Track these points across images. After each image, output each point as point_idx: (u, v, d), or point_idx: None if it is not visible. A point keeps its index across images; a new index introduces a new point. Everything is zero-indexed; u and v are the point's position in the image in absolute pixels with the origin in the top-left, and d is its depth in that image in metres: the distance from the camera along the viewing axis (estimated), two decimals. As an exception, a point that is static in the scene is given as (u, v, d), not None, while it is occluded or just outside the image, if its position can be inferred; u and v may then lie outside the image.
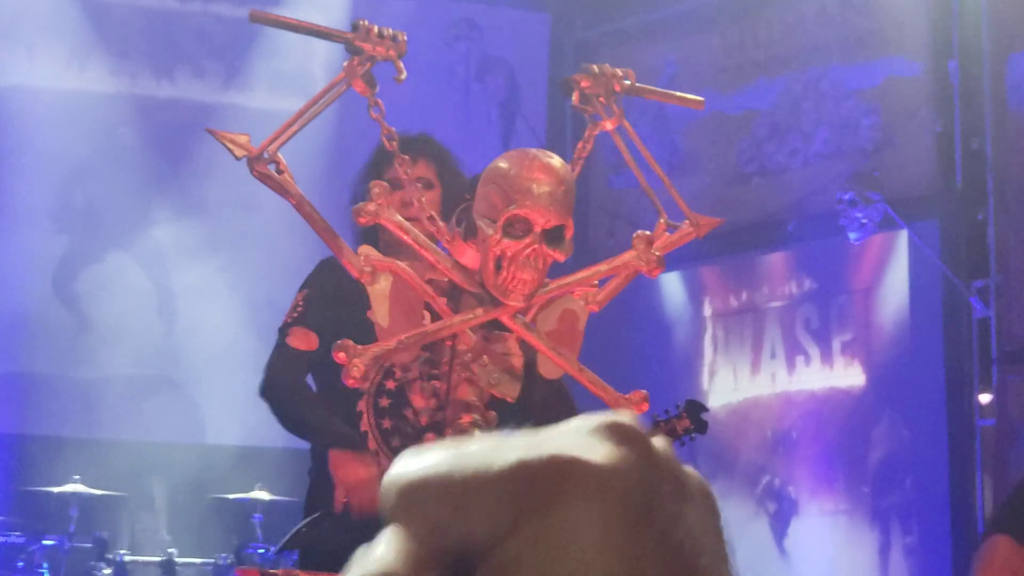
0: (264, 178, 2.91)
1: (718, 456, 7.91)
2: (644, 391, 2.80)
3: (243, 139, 2.93)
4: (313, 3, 8.23)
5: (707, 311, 8.32)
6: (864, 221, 7.14)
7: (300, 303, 3.62)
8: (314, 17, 3.27)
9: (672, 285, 8.38)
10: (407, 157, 2.92)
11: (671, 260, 7.88)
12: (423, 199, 2.91)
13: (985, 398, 7.10)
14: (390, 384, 3.36)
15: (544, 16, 9.11)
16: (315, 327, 3.54)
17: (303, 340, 3.54)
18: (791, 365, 7.87)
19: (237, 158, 2.93)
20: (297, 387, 3.53)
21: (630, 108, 9.10)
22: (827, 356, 7.71)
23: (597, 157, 8.67)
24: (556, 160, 2.76)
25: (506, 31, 9.09)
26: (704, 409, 5.14)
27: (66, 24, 8.15)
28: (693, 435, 5.08)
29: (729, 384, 8.07)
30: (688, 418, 5.05)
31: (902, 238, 7.29)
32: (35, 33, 8.18)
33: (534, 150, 2.79)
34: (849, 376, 7.61)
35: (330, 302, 3.55)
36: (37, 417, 8.06)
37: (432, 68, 8.77)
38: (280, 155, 2.95)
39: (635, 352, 8.28)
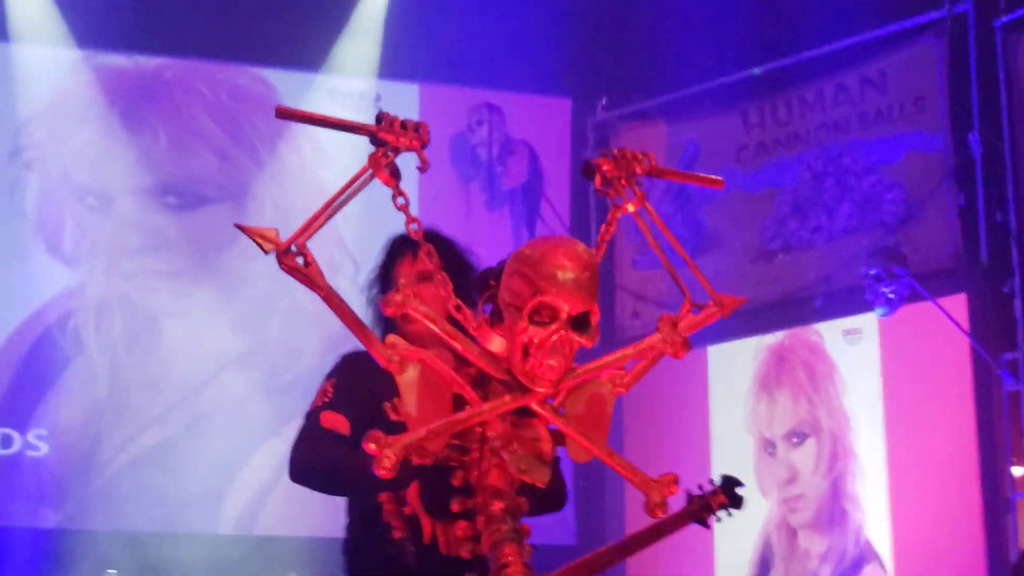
0: (292, 271, 2.92)
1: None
2: (674, 474, 2.80)
3: (271, 233, 2.95)
4: (336, 91, 8.34)
5: (737, 388, 8.29)
6: (891, 296, 7.14)
7: (329, 390, 3.64)
8: (338, 104, 3.33)
9: (699, 364, 8.37)
10: (432, 247, 2.94)
11: (698, 338, 7.89)
12: (449, 288, 2.93)
13: (1019, 471, 7.05)
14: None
15: (565, 100, 9.18)
16: (345, 410, 3.57)
17: (334, 422, 3.56)
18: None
19: (265, 252, 2.94)
20: (329, 448, 3.55)
21: (653, 187, 9.18)
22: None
23: (621, 239, 8.72)
24: (580, 246, 2.77)
25: (527, 115, 9.17)
26: (739, 484, 5.13)
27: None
28: (729, 511, 5.09)
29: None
30: (724, 494, 5.06)
31: (929, 312, 7.28)
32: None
33: (558, 236, 2.80)
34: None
35: (358, 393, 3.58)
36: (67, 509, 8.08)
37: (454, 153, 8.85)
38: (307, 248, 2.97)
39: (668, 432, 8.27)
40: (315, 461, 3.56)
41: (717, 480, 5.12)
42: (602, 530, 8.39)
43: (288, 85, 8.48)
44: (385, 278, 3.84)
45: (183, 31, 8.27)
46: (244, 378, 8.44)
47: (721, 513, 5.07)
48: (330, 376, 3.70)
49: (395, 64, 8.65)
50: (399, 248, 3.81)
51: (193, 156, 8.53)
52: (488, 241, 8.42)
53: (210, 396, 8.39)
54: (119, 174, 8.34)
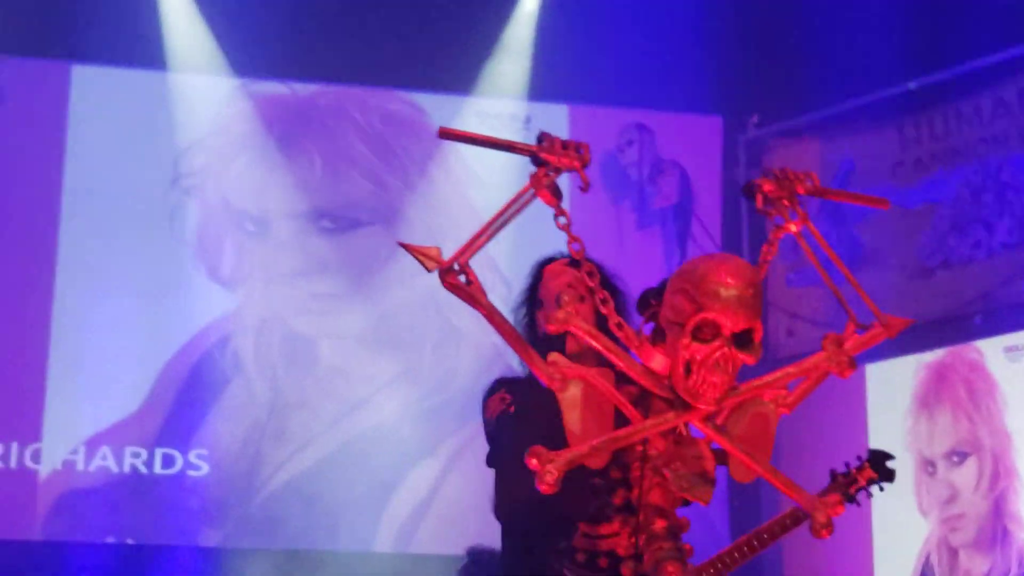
0: (455, 289, 2.96)
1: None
2: (839, 494, 2.77)
3: (434, 252, 2.99)
4: (485, 114, 8.41)
5: (896, 407, 8.18)
6: (1053, 311, 7.00)
7: (506, 396, 3.71)
8: (487, 127, 3.36)
9: (858, 382, 8.27)
10: (593, 265, 2.95)
11: (857, 357, 7.77)
12: (611, 305, 2.94)
13: None
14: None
15: (715, 118, 9.14)
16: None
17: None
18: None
19: (428, 271, 2.98)
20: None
21: (809, 205, 9.03)
22: None
23: (775, 256, 8.63)
24: (743, 263, 2.77)
25: (677, 134, 9.14)
26: (889, 457, 5.00)
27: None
28: (881, 485, 4.95)
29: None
30: (872, 468, 4.94)
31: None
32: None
33: (721, 254, 2.81)
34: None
35: (516, 417, 3.62)
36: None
37: (605, 173, 8.85)
38: (469, 266, 3.00)
39: (826, 452, 8.18)
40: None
41: (864, 455, 5.01)
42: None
43: (438, 108, 8.57)
44: (533, 300, 3.86)
45: (336, 57, 8.40)
46: (398, 399, 8.53)
47: (873, 488, 4.94)
48: (492, 392, 3.75)
49: (544, 85, 8.68)
50: (537, 273, 3.84)
51: (347, 180, 8.65)
52: (639, 262, 8.41)
53: (365, 417, 8.49)
54: (276, 199, 8.49)
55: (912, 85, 8.30)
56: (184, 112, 8.37)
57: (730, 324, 2.71)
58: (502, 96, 8.64)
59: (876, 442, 8.19)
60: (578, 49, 8.59)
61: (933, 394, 8.02)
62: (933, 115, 8.29)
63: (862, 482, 4.92)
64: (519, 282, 4.18)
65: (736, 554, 4.87)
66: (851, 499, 4.91)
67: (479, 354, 8.22)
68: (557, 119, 8.72)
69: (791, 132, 8.87)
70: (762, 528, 4.88)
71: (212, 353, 8.34)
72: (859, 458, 5.01)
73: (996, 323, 7.72)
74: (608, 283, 3.85)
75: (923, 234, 8.23)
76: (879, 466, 4.96)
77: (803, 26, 8.28)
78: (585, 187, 2.96)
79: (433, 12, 8.27)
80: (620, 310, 3.22)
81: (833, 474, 4.96)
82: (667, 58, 8.57)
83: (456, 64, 8.53)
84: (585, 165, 2.99)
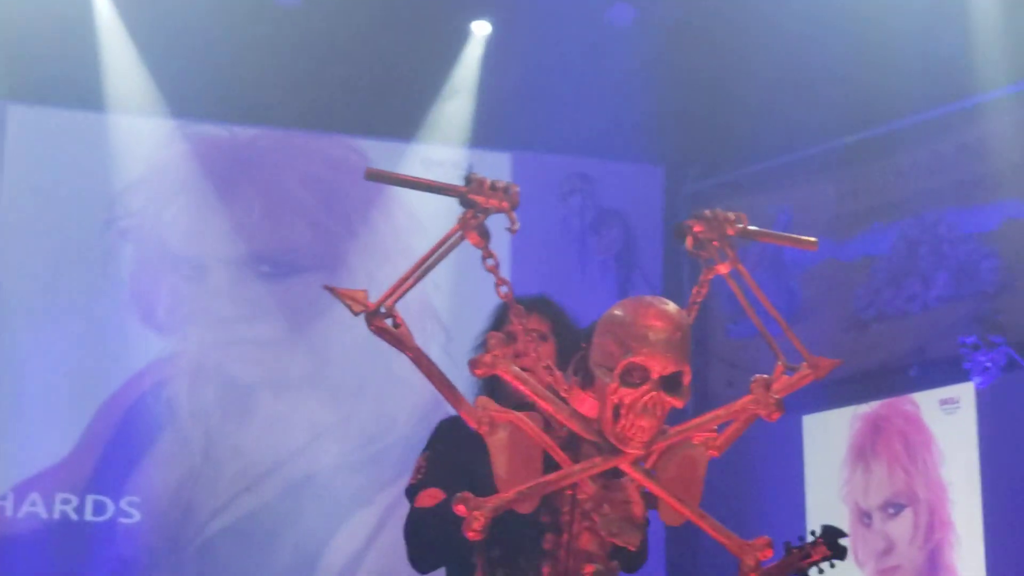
0: (381, 333, 2.94)
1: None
2: (768, 537, 2.76)
3: (360, 295, 2.96)
4: (429, 160, 8.40)
5: (832, 458, 8.19)
6: (988, 365, 7.04)
7: (423, 464, 3.65)
8: (431, 173, 3.32)
9: (795, 433, 8.28)
10: (522, 307, 2.94)
11: (794, 407, 7.78)
12: (539, 349, 2.92)
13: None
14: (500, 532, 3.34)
15: (657, 168, 9.17)
16: (440, 484, 3.56)
17: (431, 499, 3.55)
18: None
19: (355, 314, 2.96)
20: (428, 529, 3.54)
21: (747, 257, 9.08)
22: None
23: (715, 307, 8.67)
24: (671, 306, 2.76)
25: (620, 184, 9.16)
26: (842, 534, 5.01)
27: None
28: (832, 562, 4.97)
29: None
30: (825, 544, 4.95)
31: (1027, 382, 7.16)
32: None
33: (649, 297, 2.79)
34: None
35: (452, 462, 3.58)
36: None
37: (547, 223, 8.85)
38: (396, 309, 2.98)
39: (762, 501, 8.19)
40: (421, 547, 3.55)
41: (818, 531, 5.02)
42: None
43: (381, 154, 8.53)
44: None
45: (277, 101, 8.36)
46: (337, 447, 8.45)
47: (823, 565, 4.96)
48: (425, 449, 3.71)
49: (488, 133, 8.69)
50: (506, 313, 3.76)
51: (286, 225, 8.60)
52: (581, 310, 8.39)
53: (302, 465, 8.41)
54: (214, 243, 8.42)
55: (850, 139, 8.36)
56: (121, 153, 8.30)
57: (658, 368, 2.70)
58: (445, 143, 8.63)
59: (813, 493, 8.20)
60: (522, 97, 8.61)
61: (869, 446, 8.04)
62: (870, 169, 8.35)
63: (816, 557, 4.94)
64: (458, 328, 4.15)
65: None
66: (803, 573, 4.94)
67: (419, 402, 8.17)
68: (500, 167, 8.72)
69: (731, 184, 8.91)
70: None
71: (146, 398, 8.24)
72: (812, 533, 5.02)
73: (932, 376, 7.75)
74: (571, 326, 3.84)
75: (859, 287, 8.27)
76: (832, 543, 4.98)
77: (744, 80, 8.32)
78: (513, 229, 2.94)
79: (377, 58, 8.26)
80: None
81: (787, 547, 4.98)
82: (611, 108, 8.59)
83: (399, 110, 8.51)
84: (514, 206, 2.98)
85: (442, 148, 8.59)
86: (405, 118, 8.54)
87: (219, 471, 8.29)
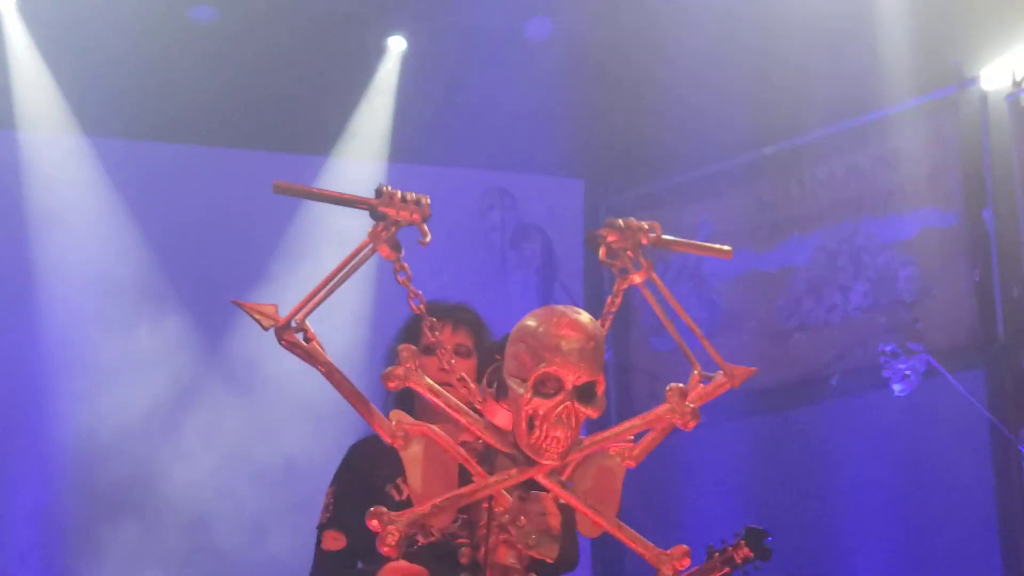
0: (292, 347, 2.90)
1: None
2: (686, 546, 2.74)
3: (270, 309, 2.93)
4: (346, 176, 8.34)
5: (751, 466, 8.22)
6: (907, 373, 7.09)
7: (330, 501, 3.65)
8: (349, 189, 3.27)
9: (715, 440, 8.30)
10: (435, 320, 2.90)
11: (719, 417, 7.79)
12: (453, 361, 2.89)
13: (1042, 548, 6.95)
14: (420, 541, 3.31)
15: (577, 182, 9.17)
16: (344, 524, 3.56)
17: (334, 542, 3.55)
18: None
19: (264, 328, 2.92)
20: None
21: (668, 269, 9.10)
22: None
23: (637, 320, 8.68)
24: (584, 316, 2.73)
25: (540, 198, 9.14)
26: (765, 535, 4.97)
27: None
28: (756, 563, 4.92)
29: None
30: (748, 546, 4.90)
31: (947, 389, 7.20)
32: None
33: (561, 307, 2.77)
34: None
35: (357, 495, 3.57)
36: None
37: (468, 237, 8.82)
38: (307, 323, 2.94)
39: (686, 506, 8.20)
40: None
41: (741, 532, 4.97)
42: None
43: (299, 169, 8.45)
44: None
45: (191, 118, 8.27)
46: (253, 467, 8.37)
47: (748, 567, 4.91)
48: (332, 482, 3.71)
49: (406, 148, 8.65)
50: (417, 322, 3.70)
51: (203, 242, 8.52)
52: (502, 325, 8.36)
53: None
54: (128, 261, 8.32)
55: (768, 151, 8.41)
56: (33, 172, 8.19)
57: (572, 377, 2.67)
58: (363, 158, 8.58)
59: (739, 501, 8.22)
60: (440, 112, 8.58)
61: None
62: (788, 180, 8.40)
63: (738, 560, 4.89)
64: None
65: None
66: None
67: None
68: (419, 181, 8.66)
69: (651, 197, 8.94)
70: None
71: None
72: (736, 534, 4.96)
73: (852, 384, 7.79)
74: (489, 338, 3.80)
75: (780, 297, 8.31)
76: (755, 544, 4.93)
77: (662, 93, 8.35)
78: (424, 240, 2.92)
79: (293, 73, 8.20)
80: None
81: (709, 550, 4.93)
82: (530, 122, 8.58)
83: (316, 126, 8.45)
84: (425, 218, 2.96)
85: (360, 163, 8.53)
86: (322, 134, 8.48)
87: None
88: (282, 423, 8.34)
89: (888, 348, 7.11)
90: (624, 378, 8.83)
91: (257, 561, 8.11)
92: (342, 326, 7.87)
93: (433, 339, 2.87)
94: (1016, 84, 7.39)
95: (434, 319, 2.89)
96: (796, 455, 7.98)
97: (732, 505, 8.23)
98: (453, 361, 2.90)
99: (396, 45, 8.38)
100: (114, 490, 8.08)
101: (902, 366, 7.09)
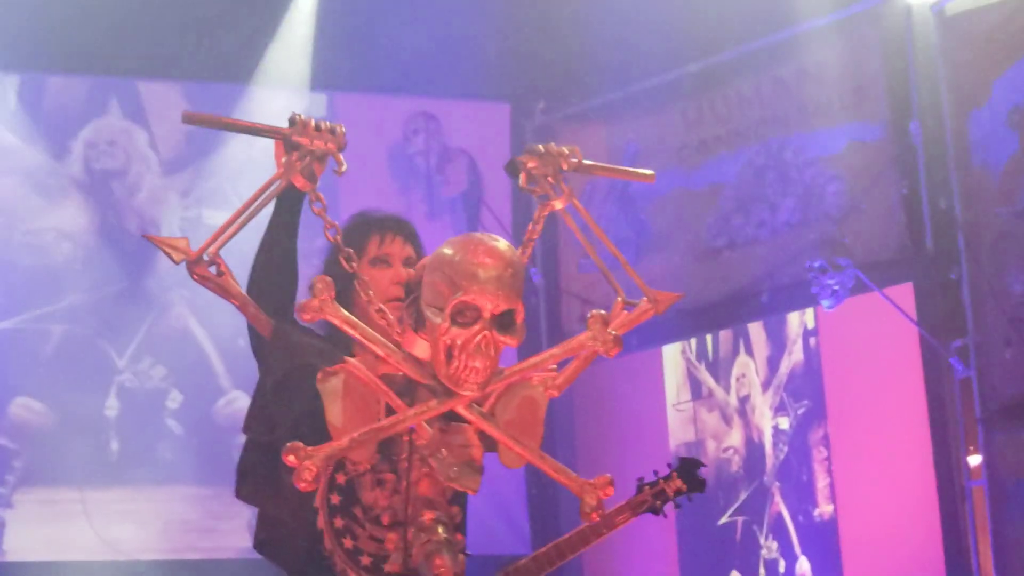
0: (204, 281, 2.85)
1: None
2: (609, 475, 2.69)
3: (182, 243, 2.87)
4: (266, 107, 8.20)
5: (688, 389, 8.23)
6: (836, 288, 7.08)
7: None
8: (268, 119, 3.17)
9: (655, 365, 8.30)
10: (352, 251, 2.83)
11: (652, 339, 7.79)
12: (370, 292, 2.82)
13: (974, 460, 7.00)
14: (340, 478, 3.23)
15: (502, 105, 9.08)
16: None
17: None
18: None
19: (176, 262, 2.85)
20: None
21: (594, 190, 9.08)
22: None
23: (566, 242, 8.64)
24: (502, 243, 2.66)
25: (465, 122, 9.06)
26: (700, 465, 4.91)
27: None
28: (690, 496, 4.86)
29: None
30: (680, 478, 4.83)
31: (876, 302, 7.21)
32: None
33: (479, 234, 2.70)
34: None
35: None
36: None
37: (392, 163, 8.73)
38: (220, 256, 2.87)
39: (626, 436, 8.21)
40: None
41: (674, 463, 4.91)
42: (558, 536, 8.29)
43: (215, 98, 8.32)
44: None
45: (105, 48, 8.11)
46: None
47: (681, 499, 4.84)
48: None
49: (326, 75, 8.52)
50: (363, 229, 3.55)
51: (120, 175, 8.39)
52: (429, 251, 8.28)
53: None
54: (45, 198, 8.19)
55: (693, 68, 8.35)
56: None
57: (490, 306, 2.61)
58: (282, 86, 8.44)
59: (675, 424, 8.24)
60: (361, 37, 8.46)
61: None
62: (714, 97, 8.35)
63: (669, 493, 4.82)
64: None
65: (535, 564, 4.79)
66: (657, 511, 4.82)
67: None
68: (341, 109, 8.56)
69: (577, 117, 8.87)
70: (562, 540, 4.80)
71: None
72: (669, 465, 4.89)
73: (782, 301, 7.80)
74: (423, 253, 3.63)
75: (709, 215, 8.28)
76: (688, 476, 4.85)
77: (587, 12, 8.27)
78: (340, 170, 2.85)
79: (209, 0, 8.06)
80: None
81: (640, 484, 4.84)
82: (452, 45, 8.49)
83: (234, 53, 8.31)
84: (340, 148, 2.89)
85: (280, 92, 8.39)
86: (241, 62, 8.33)
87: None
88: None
89: (816, 264, 7.09)
90: (554, 301, 8.79)
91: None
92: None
93: (351, 270, 2.80)
94: (941, -7, 7.36)
95: (351, 250, 2.81)
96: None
97: (664, 428, 8.25)
98: (371, 292, 2.82)
99: (316, -31, 8.26)
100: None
101: (831, 281, 7.08)
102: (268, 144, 2.98)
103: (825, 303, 7.10)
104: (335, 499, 3.20)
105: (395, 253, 3.44)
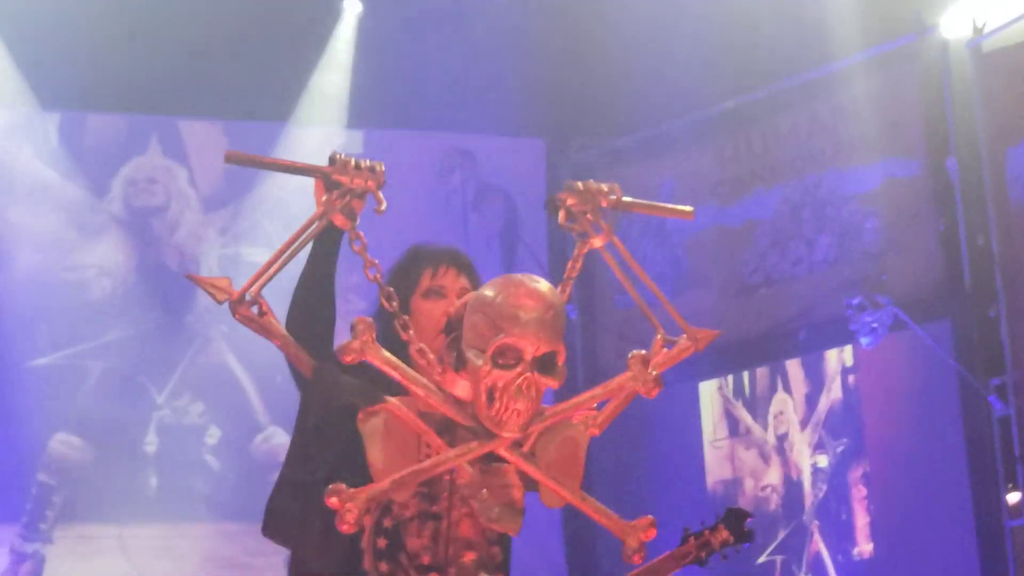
0: (247, 321, 2.85)
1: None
2: (651, 517, 2.69)
3: (224, 283, 2.87)
4: (305, 142, 8.25)
5: (725, 426, 8.21)
6: (875, 325, 7.05)
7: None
8: (309, 156, 3.19)
9: (692, 400, 8.28)
10: (391, 290, 2.84)
11: (689, 375, 7.76)
12: (411, 332, 2.82)
13: (1013, 497, 6.95)
14: (387, 523, 3.22)
15: (538, 141, 9.10)
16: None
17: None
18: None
19: (219, 302, 2.86)
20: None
21: (632, 226, 9.05)
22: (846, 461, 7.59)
23: (601, 277, 8.63)
24: (543, 284, 2.67)
25: (501, 159, 9.07)
26: (747, 516, 4.84)
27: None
28: (737, 547, 4.79)
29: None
30: (727, 529, 4.77)
31: (914, 340, 7.18)
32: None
33: (519, 275, 2.70)
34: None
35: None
36: None
37: (428, 200, 8.75)
38: (262, 296, 2.88)
39: (663, 471, 8.19)
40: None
41: (720, 514, 4.86)
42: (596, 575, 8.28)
43: (253, 136, 8.37)
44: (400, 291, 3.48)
45: (148, 88, 8.17)
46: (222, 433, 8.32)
47: (728, 550, 4.76)
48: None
49: (364, 112, 8.56)
50: (415, 261, 3.50)
51: (166, 212, 8.43)
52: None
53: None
54: (89, 237, 8.25)
55: (729, 104, 8.35)
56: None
57: (531, 348, 2.61)
58: (321, 124, 8.48)
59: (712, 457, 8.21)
60: (398, 75, 8.49)
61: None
62: (751, 134, 8.35)
63: (715, 545, 4.75)
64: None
65: None
66: (702, 563, 4.76)
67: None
68: (378, 145, 8.59)
69: (613, 154, 8.88)
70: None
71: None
72: (717, 516, 4.83)
73: (819, 338, 7.77)
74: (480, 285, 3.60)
75: (745, 252, 8.27)
76: (735, 527, 4.78)
77: (622, 49, 8.29)
78: (380, 208, 2.86)
79: (249, 40, 8.10)
80: None
81: (685, 534, 4.78)
82: (489, 82, 8.51)
83: (273, 92, 8.36)
84: (380, 186, 2.90)
85: (318, 129, 8.44)
86: (279, 100, 8.39)
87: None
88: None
89: (854, 301, 7.07)
90: (590, 337, 8.79)
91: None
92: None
93: (390, 308, 2.81)
94: (977, 30, 7.34)
95: (390, 289, 2.82)
96: (764, 411, 7.97)
97: (701, 465, 8.22)
98: (411, 332, 2.82)
99: (352, 8, 8.30)
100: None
101: (869, 319, 7.05)
102: (301, 182, 2.99)
103: (864, 340, 7.07)
104: (381, 543, 3.18)
105: (448, 285, 3.31)
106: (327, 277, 3.18)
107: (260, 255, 7.90)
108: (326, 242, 3.14)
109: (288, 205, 8.11)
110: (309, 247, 2.99)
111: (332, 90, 8.45)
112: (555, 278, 2.98)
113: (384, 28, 8.18)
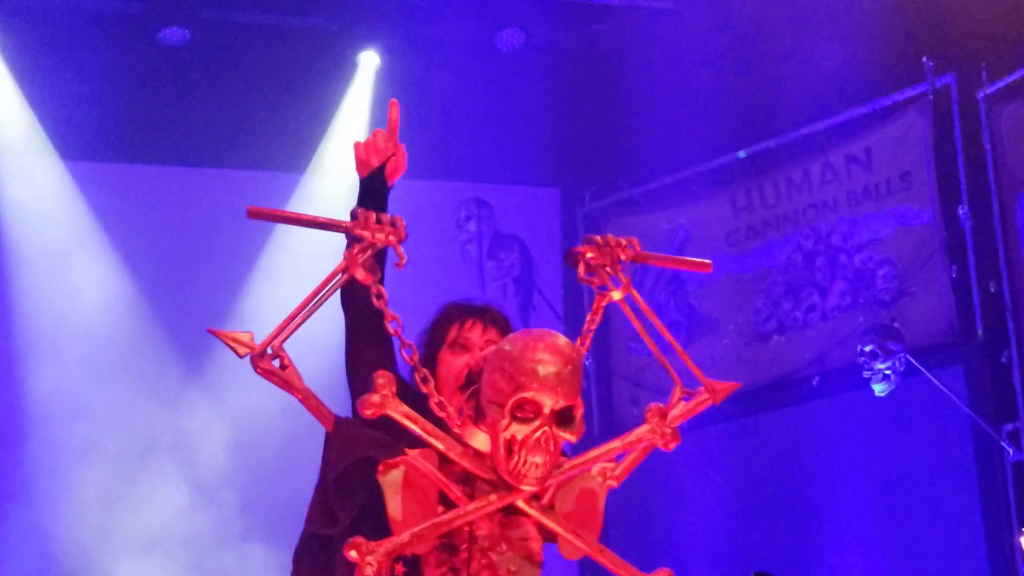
0: (268, 375, 2.86)
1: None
2: (669, 570, 2.72)
3: (246, 337, 2.89)
4: (323, 193, 8.30)
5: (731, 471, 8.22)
6: (888, 372, 7.09)
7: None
8: (328, 206, 3.25)
9: (699, 447, 8.28)
10: (412, 344, 2.88)
11: (699, 421, 7.78)
12: (431, 385, 2.86)
13: (1027, 543, 6.96)
14: (399, 569, 3.25)
15: (553, 190, 9.15)
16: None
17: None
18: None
19: (240, 356, 2.89)
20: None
21: (644, 273, 9.06)
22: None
23: (616, 325, 8.66)
24: (561, 339, 2.72)
25: (516, 207, 9.12)
26: None
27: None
28: None
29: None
30: None
31: (927, 386, 7.21)
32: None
33: (537, 330, 2.75)
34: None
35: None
36: None
37: (445, 250, 8.79)
38: (284, 350, 2.91)
39: (676, 518, 8.18)
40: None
41: None
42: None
43: (273, 188, 8.42)
44: (430, 343, 3.57)
45: (164, 139, 8.24)
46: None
47: None
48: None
49: (379, 162, 8.59)
50: (446, 315, 3.59)
51: (182, 263, 8.47)
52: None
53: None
54: (106, 286, 8.28)
55: (742, 154, 8.41)
56: (9, 197, 8.15)
57: (550, 402, 2.65)
58: (339, 174, 8.53)
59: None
60: (414, 125, 8.51)
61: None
62: (763, 182, 8.40)
63: None
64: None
65: None
66: None
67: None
68: (393, 194, 8.61)
69: (627, 203, 8.93)
70: None
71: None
72: None
73: (833, 385, 7.79)
74: None
75: (758, 300, 8.31)
76: None
77: (635, 99, 8.35)
78: (400, 264, 2.89)
79: (265, 93, 8.18)
80: None
81: None
82: (504, 132, 8.56)
83: (292, 144, 8.42)
84: (401, 240, 2.93)
85: (336, 180, 8.49)
86: (297, 151, 8.45)
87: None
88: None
89: (867, 348, 7.11)
90: (605, 384, 8.81)
91: None
92: (321, 351, 7.83)
93: (412, 363, 2.85)
94: (988, 79, 7.40)
95: (412, 343, 2.86)
96: (778, 458, 7.98)
97: (714, 511, 8.22)
98: (431, 384, 2.86)
99: (368, 60, 8.36)
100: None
101: (882, 365, 7.09)
102: (316, 235, 3.02)
103: (877, 388, 7.10)
104: None
105: (474, 339, 3.40)
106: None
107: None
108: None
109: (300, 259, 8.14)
110: (333, 301, 3.03)
111: (350, 141, 8.48)
112: (571, 324, 3.04)
113: (401, 79, 8.24)
